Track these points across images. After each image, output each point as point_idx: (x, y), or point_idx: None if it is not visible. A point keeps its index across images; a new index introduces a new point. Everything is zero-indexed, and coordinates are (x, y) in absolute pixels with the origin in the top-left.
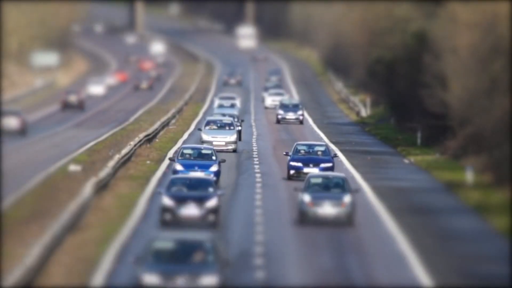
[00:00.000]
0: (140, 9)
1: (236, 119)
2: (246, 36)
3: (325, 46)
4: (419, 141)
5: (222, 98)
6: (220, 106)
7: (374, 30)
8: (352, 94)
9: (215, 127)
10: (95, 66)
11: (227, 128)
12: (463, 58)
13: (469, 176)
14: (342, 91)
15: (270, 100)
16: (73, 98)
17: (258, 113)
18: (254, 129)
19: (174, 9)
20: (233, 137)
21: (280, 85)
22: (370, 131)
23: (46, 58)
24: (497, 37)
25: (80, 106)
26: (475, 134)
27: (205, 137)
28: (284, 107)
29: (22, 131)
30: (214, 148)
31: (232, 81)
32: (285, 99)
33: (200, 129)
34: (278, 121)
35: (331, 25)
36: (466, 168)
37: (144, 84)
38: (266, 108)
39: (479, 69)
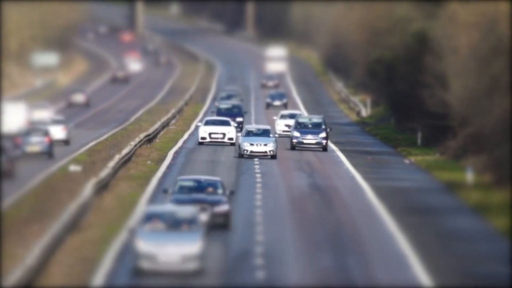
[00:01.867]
0: (140, 9)
1: (221, 192)
2: (276, 58)
3: (325, 46)
4: (419, 141)
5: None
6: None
7: (374, 30)
8: (352, 94)
9: (161, 225)
10: (95, 66)
11: (184, 227)
12: (463, 58)
13: (469, 176)
14: (342, 91)
15: (283, 125)
16: (120, 74)
17: (258, 113)
18: None
19: (174, 9)
20: (195, 247)
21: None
22: (370, 131)
23: (46, 58)
24: (497, 37)
25: (126, 80)
26: (475, 134)
27: (143, 247)
28: (302, 127)
29: (87, 104)
30: (161, 269)
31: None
32: (303, 116)
33: (132, 233)
34: (293, 147)
35: (331, 25)
36: (466, 168)
37: (163, 59)
38: (278, 135)
39: (479, 69)
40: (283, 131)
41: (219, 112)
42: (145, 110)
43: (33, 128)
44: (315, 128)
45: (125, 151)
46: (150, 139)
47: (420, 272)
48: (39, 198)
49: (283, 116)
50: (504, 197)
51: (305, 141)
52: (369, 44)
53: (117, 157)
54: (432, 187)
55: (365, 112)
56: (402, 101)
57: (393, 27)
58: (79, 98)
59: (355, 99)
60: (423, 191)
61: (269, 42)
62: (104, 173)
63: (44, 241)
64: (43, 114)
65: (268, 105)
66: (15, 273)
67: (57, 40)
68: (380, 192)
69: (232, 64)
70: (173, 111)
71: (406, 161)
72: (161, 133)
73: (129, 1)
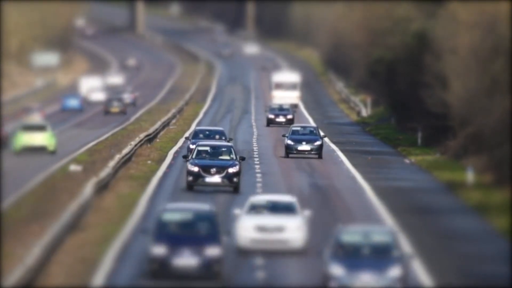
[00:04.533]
0: (141, 9)
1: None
2: (286, 86)
3: (326, 46)
4: (419, 141)
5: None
6: None
7: (375, 30)
8: (353, 94)
9: None
10: (95, 66)
11: None
12: (464, 58)
13: (469, 176)
14: (343, 91)
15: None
16: (131, 63)
17: (258, 113)
18: (254, 129)
19: (174, 9)
20: None
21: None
22: (371, 131)
23: (47, 58)
24: (497, 37)
25: (137, 68)
26: (476, 134)
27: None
28: (351, 256)
29: (138, 68)
30: None
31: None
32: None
33: None
34: None
35: (331, 25)
36: (466, 168)
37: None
38: None
39: (479, 69)
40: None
41: (161, 231)
42: (145, 110)
43: (124, 89)
44: (377, 256)
45: (125, 150)
46: (150, 139)
47: (420, 272)
48: (39, 198)
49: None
50: (504, 197)
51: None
52: (369, 44)
53: (117, 157)
54: (432, 187)
55: (365, 112)
56: (403, 101)
57: (393, 27)
58: (131, 62)
59: (356, 99)
60: (424, 191)
61: (270, 42)
62: (104, 173)
63: (44, 241)
64: (114, 79)
65: (289, 151)
66: (15, 273)
67: (58, 40)
68: (381, 192)
69: (232, 64)
70: (173, 111)
71: (407, 161)
72: (162, 133)
73: (129, 1)
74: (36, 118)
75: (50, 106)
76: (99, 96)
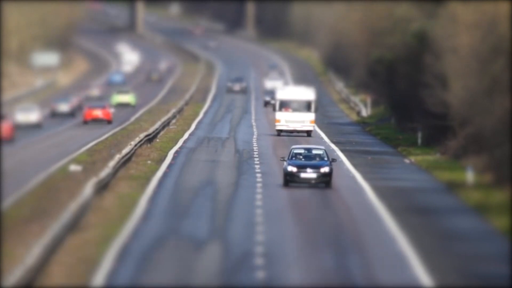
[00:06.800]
0: (141, 9)
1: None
2: (294, 105)
3: (326, 46)
4: (419, 141)
5: None
6: None
7: (375, 30)
8: (353, 94)
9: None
10: (95, 66)
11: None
12: (464, 58)
13: (469, 176)
14: (343, 91)
15: None
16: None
17: (258, 113)
18: (254, 129)
19: (174, 9)
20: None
21: None
22: (371, 131)
23: (47, 58)
24: (497, 37)
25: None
26: (476, 134)
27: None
28: None
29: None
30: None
31: None
32: None
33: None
34: None
35: (331, 25)
36: (466, 168)
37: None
38: None
39: (479, 69)
40: None
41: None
42: (145, 110)
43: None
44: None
45: (125, 150)
46: (150, 138)
47: (420, 272)
48: (39, 198)
49: None
50: (504, 197)
51: None
52: (369, 44)
53: (117, 157)
54: (432, 187)
55: (365, 112)
56: (403, 101)
57: (393, 27)
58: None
59: (356, 99)
60: (424, 191)
61: (270, 42)
62: (104, 173)
63: (44, 241)
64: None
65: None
66: (15, 273)
67: (57, 40)
68: (381, 192)
69: (232, 64)
70: (173, 110)
71: (407, 161)
72: (162, 132)
73: (130, 1)
74: (95, 91)
75: (98, 81)
76: (128, 68)
